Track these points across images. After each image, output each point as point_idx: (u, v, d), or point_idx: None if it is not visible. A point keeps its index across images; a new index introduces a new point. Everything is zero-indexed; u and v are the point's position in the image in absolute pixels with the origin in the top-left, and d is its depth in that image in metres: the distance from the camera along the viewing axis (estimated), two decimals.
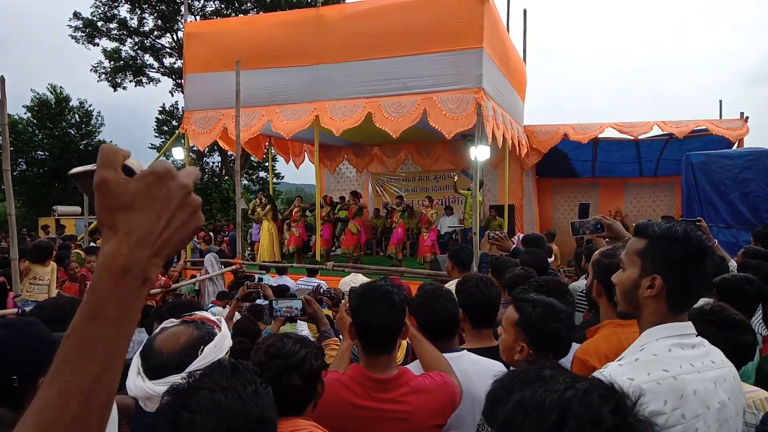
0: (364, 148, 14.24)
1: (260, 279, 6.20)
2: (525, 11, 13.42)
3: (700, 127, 11.42)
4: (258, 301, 6.45)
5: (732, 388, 1.38)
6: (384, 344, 1.79)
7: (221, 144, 11.42)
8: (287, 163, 13.70)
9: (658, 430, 1.18)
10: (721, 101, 13.72)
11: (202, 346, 1.35)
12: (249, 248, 13.00)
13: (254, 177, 30.79)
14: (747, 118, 11.32)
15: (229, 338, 1.45)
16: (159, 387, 1.28)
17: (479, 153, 8.47)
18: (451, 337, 2.37)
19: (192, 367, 1.31)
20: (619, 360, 1.38)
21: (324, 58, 9.10)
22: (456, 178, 12.33)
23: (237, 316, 5.17)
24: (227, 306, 5.56)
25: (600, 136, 12.17)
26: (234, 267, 8.20)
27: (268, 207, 11.45)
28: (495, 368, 2.14)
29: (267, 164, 16.51)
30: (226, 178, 28.17)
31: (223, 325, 1.47)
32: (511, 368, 1.89)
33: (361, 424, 1.71)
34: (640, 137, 11.82)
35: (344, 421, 1.71)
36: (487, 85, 8.35)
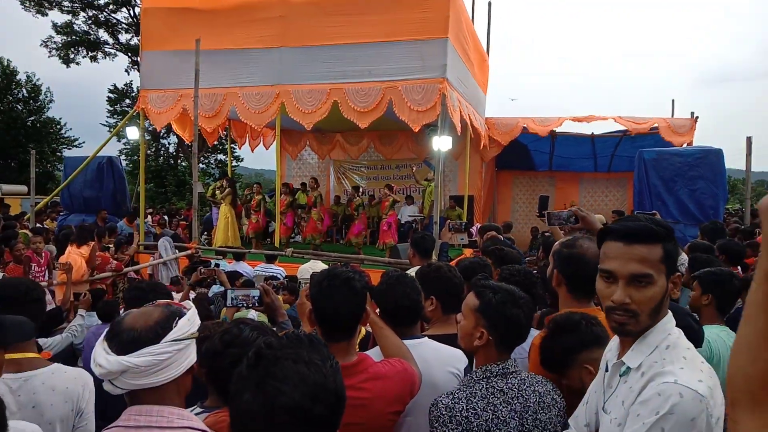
0: (327, 135, 14.11)
1: (216, 264, 6.07)
2: (490, 4, 13.53)
3: (653, 126, 11.80)
4: (213, 287, 6.36)
5: None
6: (344, 330, 1.77)
7: (175, 128, 11.06)
8: (240, 148, 13.41)
9: (717, 421, 1.24)
10: (673, 101, 14.30)
11: (177, 318, 1.35)
12: (205, 233, 12.72)
13: (212, 160, 30.05)
14: (697, 117, 11.79)
15: (197, 316, 1.43)
16: (137, 359, 1.26)
17: (442, 143, 8.52)
18: (413, 323, 2.38)
19: (170, 337, 1.31)
20: (682, 365, 1.29)
21: (287, 41, 8.93)
22: (415, 168, 12.40)
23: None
24: (181, 291, 5.44)
25: (558, 129, 12.43)
26: (189, 252, 8.00)
27: (227, 190, 11.21)
28: (455, 355, 2.16)
29: (226, 147, 16.10)
30: (182, 159, 27.42)
31: (191, 305, 1.46)
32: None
33: None
34: (596, 134, 12.14)
35: None
36: (451, 76, 8.39)
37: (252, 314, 5.15)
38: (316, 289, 1.79)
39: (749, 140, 8.62)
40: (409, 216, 12.58)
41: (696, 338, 2.11)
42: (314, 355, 1.04)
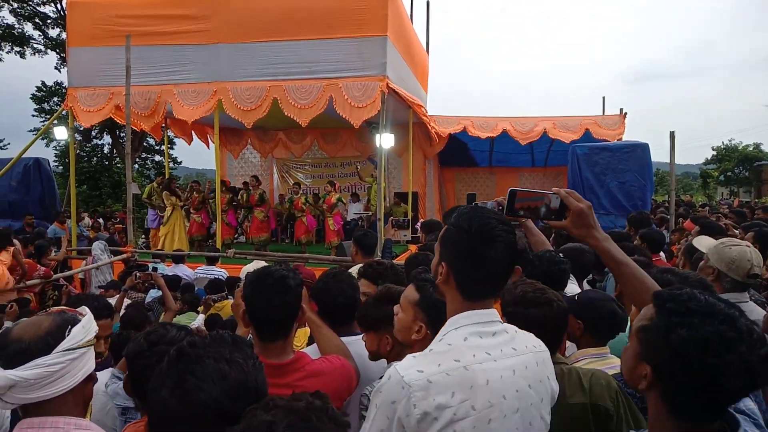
0: (269, 133, 13.87)
1: (154, 268, 5.86)
2: (428, 3, 13.72)
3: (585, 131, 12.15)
4: (151, 292, 6.14)
5: (535, 375, 1.34)
6: (279, 329, 1.76)
7: (118, 122, 10.59)
8: (189, 144, 12.98)
9: (446, 424, 1.18)
10: (604, 98, 15.02)
11: (70, 326, 1.29)
12: (143, 236, 12.26)
13: (149, 161, 28.92)
14: (625, 114, 12.41)
15: (94, 322, 1.37)
16: (26, 372, 1.19)
17: (384, 140, 8.57)
18: (351, 320, 2.39)
19: (62, 347, 1.25)
20: (419, 354, 1.31)
21: (223, 37, 8.72)
22: (359, 166, 12.42)
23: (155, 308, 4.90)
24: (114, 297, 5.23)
25: (495, 135, 12.66)
26: (125, 256, 7.69)
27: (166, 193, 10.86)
28: None
29: (164, 147, 15.55)
30: (117, 160, 26.26)
31: (87, 311, 1.39)
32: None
33: None
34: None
35: None
36: (392, 74, 8.44)
37: (198, 319, 5.03)
38: (248, 289, 1.77)
39: (672, 135, 9.15)
40: (355, 213, 12.59)
41: (621, 321, 2.21)
42: (236, 354, 1.04)
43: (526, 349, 1.36)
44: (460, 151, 13.97)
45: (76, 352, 1.27)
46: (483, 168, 15.37)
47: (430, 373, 1.22)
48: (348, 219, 12.25)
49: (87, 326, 1.33)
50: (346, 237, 10.51)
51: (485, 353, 1.27)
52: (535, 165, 15.06)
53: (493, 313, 1.35)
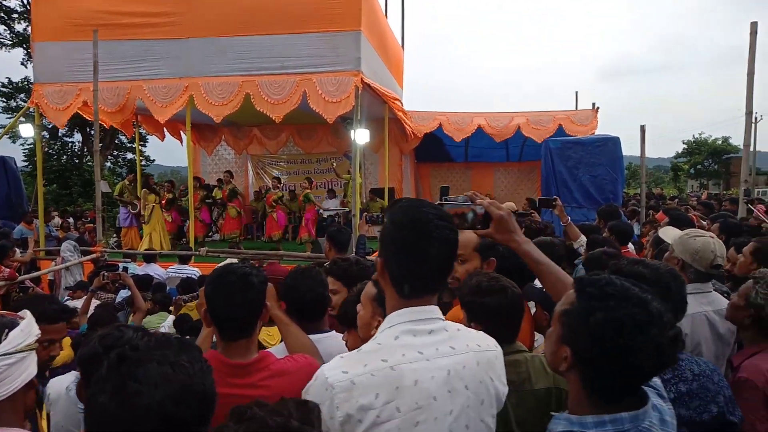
0: (243, 129, 13.71)
1: (124, 268, 5.74)
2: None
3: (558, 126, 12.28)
4: (122, 292, 6.01)
5: (473, 375, 1.25)
6: (242, 328, 1.72)
7: (87, 118, 10.34)
8: (162, 141, 12.73)
9: (369, 426, 1.14)
10: (576, 92, 15.25)
11: (7, 330, 1.24)
12: (115, 235, 12.01)
13: (122, 159, 28.32)
14: (597, 108, 12.59)
15: (36, 325, 1.31)
16: None
17: (359, 136, 8.53)
18: (320, 318, 2.37)
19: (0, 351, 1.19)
20: (347, 355, 1.28)
21: (194, 31, 8.58)
22: (335, 164, 12.37)
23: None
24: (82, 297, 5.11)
25: (470, 135, 12.71)
26: (94, 256, 7.52)
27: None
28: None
29: (136, 145, 15.24)
30: (88, 159, 25.65)
31: (28, 314, 1.34)
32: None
33: (216, 411, 1.64)
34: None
35: None
36: (366, 69, 8.40)
37: (165, 326, 4.93)
38: (210, 287, 1.73)
39: (643, 128, 9.32)
40: (331, 210, 12.54)
41: None
42: (182, 357, 1.00)
43: (467, 348, 1.27)
44: (436, 147, 14.00)
45: (14, 357, 1.22)
46: (459, 163, 15.46)
47: (354, 374, 1.17)
48: (324, 215, 12.20)
49: (27, 330, 1.27)
50: (320, 234, 10.45)
51: (417, 352, 1.21)
52: (509, 160, 15.21)
53: (431, 311, 1.27)
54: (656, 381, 1.28)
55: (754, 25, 6.85)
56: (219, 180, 12.44)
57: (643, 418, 1.12)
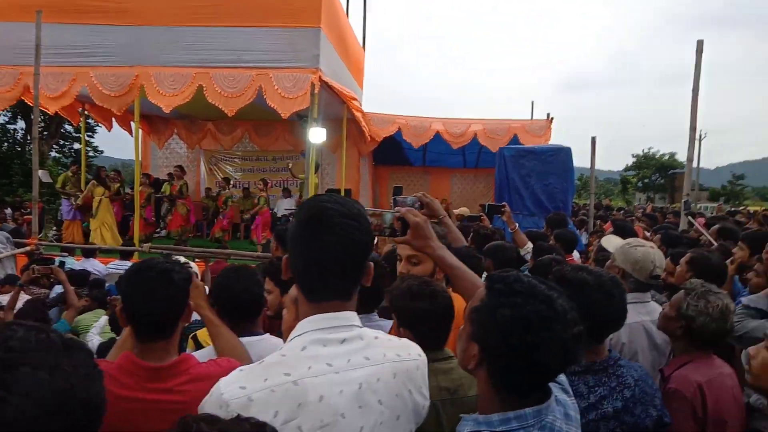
0: (197, 123, 13.31)
1: (62, 262, 5.42)
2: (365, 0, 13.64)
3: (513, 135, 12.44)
4: (56, 288, 5.69)
5: (388, 389, 1.15)
6: (161, 329, 1.60)
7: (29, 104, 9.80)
8: (109, 131, 12.19)
9: None
10: (533, 102, 15.63)
11: None
12: (55, 228, 11.44)
13: (68, 149, 27.15)
14: (552, 119, 12.87)
15: None
16: None
17: (315, 135, 8.40)
18: (254, 319, 2.27)
19: None
20: (246, 368, 1.15)
21: (147, 19, 8.25)
22: (290, 164, 12.19)
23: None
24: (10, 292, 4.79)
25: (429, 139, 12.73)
26: (28, 248, 7.10)
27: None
28: None
29: (82, 135, 14.57)
30: (30, 147, 24.46)
31: None
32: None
33: (130, 417, 1.51)
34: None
35: (111, 416, 1.50)
36: (325, 67, 8.29)
37: (97, 325, 4.67)
38: (127, 283, 1.60)
39: (593, 140, 9.57)
40: (286, 209, 12.33)
41: None
42: (64, 360, 0.89)
43: (383, 358, 1.16)
44: (395, 150, 14.01)
45: None
46: (417, 167, 15.57)
47: (252, 390, 1.05)
48: (279, 215, 11.98)
49: None
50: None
51: (325, 364, 1.10)
52: (466, 166, 15.43)
53: (347, 317, 1.16)
54: (561, 377, 1.27)
55: (700, 44, 7.08)
56: (169, 174, 12.03)
57: (546, 412, 1.12)
